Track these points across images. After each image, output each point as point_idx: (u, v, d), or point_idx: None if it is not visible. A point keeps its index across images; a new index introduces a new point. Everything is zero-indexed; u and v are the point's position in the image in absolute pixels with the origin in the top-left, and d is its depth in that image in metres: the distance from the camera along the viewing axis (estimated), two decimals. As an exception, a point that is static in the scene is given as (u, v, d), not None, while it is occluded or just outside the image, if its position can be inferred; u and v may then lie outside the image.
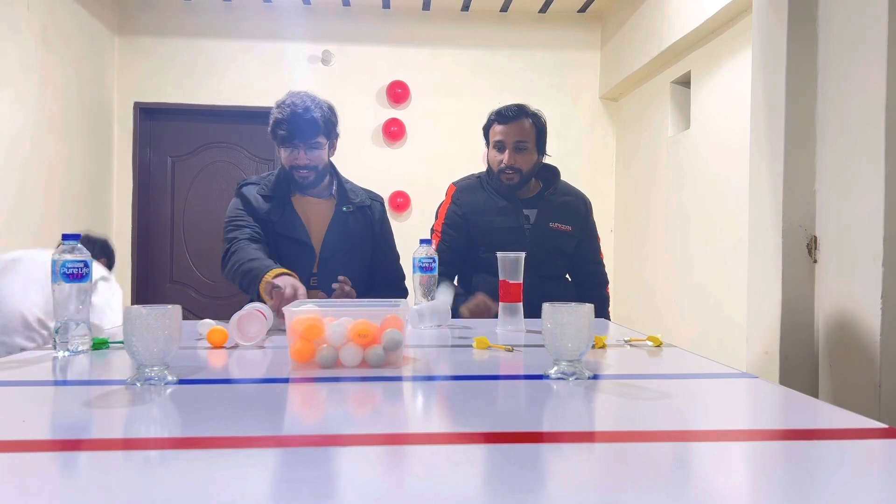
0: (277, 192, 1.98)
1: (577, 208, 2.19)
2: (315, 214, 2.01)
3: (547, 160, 2.19)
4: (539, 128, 2.10)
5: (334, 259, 1.97)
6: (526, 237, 2.08)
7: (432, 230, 2.19)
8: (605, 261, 2.32)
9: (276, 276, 1.68)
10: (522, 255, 1.68)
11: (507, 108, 2.08)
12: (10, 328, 2.14)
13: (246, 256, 1.81)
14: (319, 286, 1.93)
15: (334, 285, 1.84)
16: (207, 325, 1.47)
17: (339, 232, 2.00)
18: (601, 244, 2.30)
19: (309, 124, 1.92)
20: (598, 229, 2.28)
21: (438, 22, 5.04)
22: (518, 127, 2.06)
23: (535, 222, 2.10)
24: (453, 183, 2.23)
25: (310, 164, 1.95)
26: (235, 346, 1.40)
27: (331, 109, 2.00)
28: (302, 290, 1.62)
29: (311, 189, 2.02)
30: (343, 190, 2.07)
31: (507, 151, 2.06)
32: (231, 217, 1.96)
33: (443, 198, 2.22)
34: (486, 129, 2.14)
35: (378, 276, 2.10)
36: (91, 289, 1.36)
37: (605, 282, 2.28)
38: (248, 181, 2.04)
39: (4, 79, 3.50)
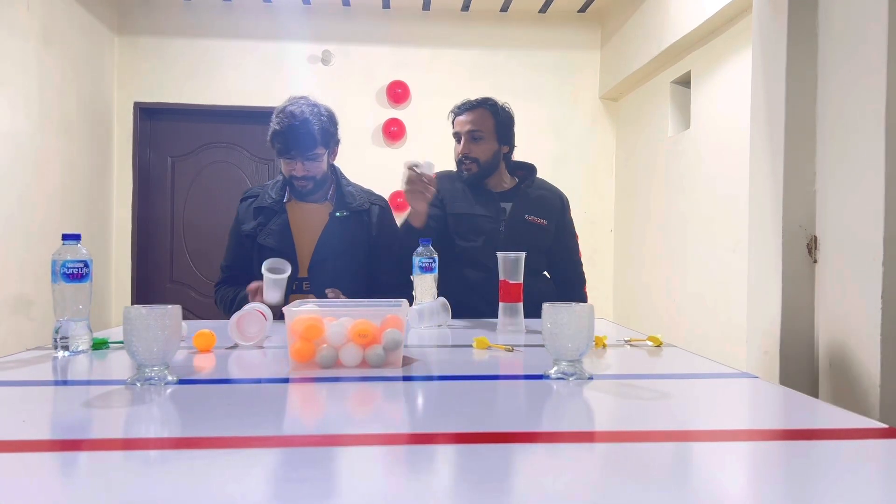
0: (275, 200, 2.03)
1: (554, 203, 2.20)
2: (309, 220, 2.01)
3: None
4: (498, 118, 2.11)
5: (326, 264, 1.97)
6: (501, 228, 2.08)
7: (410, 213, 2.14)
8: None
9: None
10: (522, 255, 1.67)
11: (466, 101, 2.13)
12: None
13: (225, 295, 2.04)
14: (312, 291, 1.94)
15: (328, 292, 1.87)
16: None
17: (331, 237, 1.99)
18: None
19: (305, 137, 1.91)
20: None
21: (438, 22, 5.04)
22: (472, 116, 2.09)
23: (510, 214, 2.11)
24: (434, 172, 2.24)
25: (307, 175, 1.96)
26: (235, 346, 1.40)
27: (330, 117, 1.98)
28: (253, 284, 1.90)
29: (310, 196, 2.03)
30: (341, 194, 2.05)
31: (462, 142, 2.10)
32: (227, 246, 2.11)
33: None
34: (452, 124, 2.17)
35: (378, 281, 2.05)
36: (90, 289, 1.36)
37: (582, 281, 2.28)
38: (248, 193, 2.11)
39: (4, 79, 3.50)
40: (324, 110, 1.97)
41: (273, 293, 1.80)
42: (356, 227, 2.03)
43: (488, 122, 2.10)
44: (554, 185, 2.28)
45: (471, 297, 2.01)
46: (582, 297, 2.24)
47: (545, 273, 2.22)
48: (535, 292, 1.80)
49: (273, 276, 1.80)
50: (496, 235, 2.06)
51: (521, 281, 1.68)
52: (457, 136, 2.12)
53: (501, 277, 1.68)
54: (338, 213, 2.02)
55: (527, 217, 2.11)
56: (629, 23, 4.48)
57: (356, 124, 4.88)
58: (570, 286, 2.22)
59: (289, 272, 1.84)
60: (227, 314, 1.99)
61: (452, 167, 2.33)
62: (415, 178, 1.90)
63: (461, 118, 2.11)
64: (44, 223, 3.86)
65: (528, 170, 2.24)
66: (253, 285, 1.90)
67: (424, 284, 1.81)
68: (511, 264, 1.67)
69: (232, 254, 2.07)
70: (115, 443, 0.79)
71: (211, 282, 5.18)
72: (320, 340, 1.16)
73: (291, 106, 1.93)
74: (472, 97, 2.18)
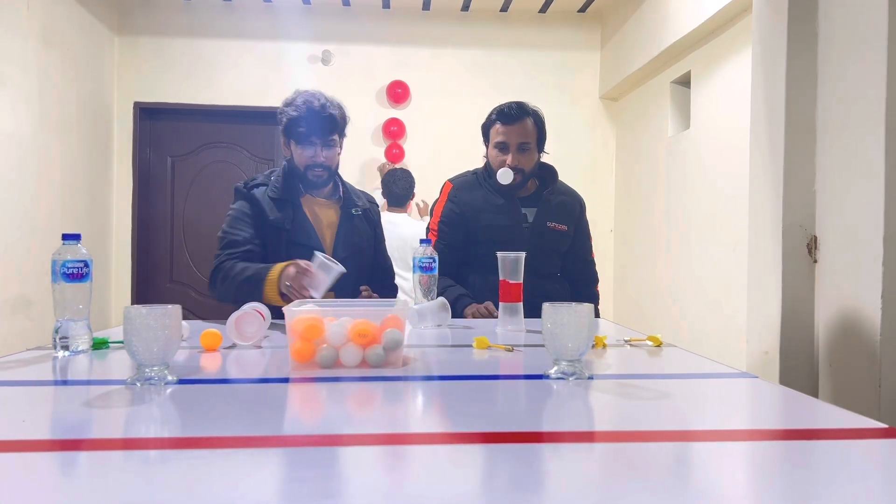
0: (286, 193, 1.93)
1: (573, 208, 2.19)
2: (324, 217, 2.00)
3: (546, 159, 2.17)
4: (540, 126, 2.08)
5: (345, 262, 1.94)
6: (525, 236, 2.07)
7: (428, 228, 2.18)
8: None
9: (284, 268, 1.68)
10: (522, 255, 1.67)
11: (509, 108, 2.05)
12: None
13: (242, 267, 1.78)
14: (332, 289, 1.92)
15: (362, 289, 1.88)
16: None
17: (348, 235, 2.00)
18: (593, 243, 2.32)
19: (327, 121, 1.90)
20: (591, 228, 2.28)
21: (438, 22, 5.04)
22: (521, 128, 2.04)
23: (533, 221, 2.09)
24: (449, 180, 2.21)
25: (324, 163, 1.93)
26: (233, 346, 1.40)
27: (342, 109, 1.99)
28: (304, 263, 1.67)
29: (321, 190, 2.00)
30: (348, 193, 2.07)
31: (510, 153, 2.04)
32: (232, 226, 1.88)
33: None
34: (487, 128, 2.11)
35: (375, 276, 2.10)
36: (90, 289, 1.36)
37: (596, 280, 2.28)
38: (255, 182, 1.96)
39: (4, 79, 3.50)
40: (336, 101, 1.98)
41: (322, 281, 1.64)
42: (366, 225, 2.07)
43: (534, 133, 2.06)
44: (571, 187, 2.25)
45: (495, 301, 1.97)
46: (594, 296, 2.23)
47: (558, 274, 2.21)
48: (551, 294, 1.80)
49: (328, 263, 1.65)
50: (521, 243, 1.95)
51: (521, 281, 1.68)
52: (501, 145, 2.05)
53: (501, 277, 1.68)
54: (353, 211, 2.03)
55: (549, 224, 2.10)
56: (629, 23, 4.48)
57: (356, 124, 4.83)
58: (583, 285, 2.22)
59: (340, 270, 1.68)
60: (230, 293, 1.78)
61: (456, 167, 2.33)
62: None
63: (510, 128, 2.04)
64: (44, 223, 3.87)
65: (548, 172, 2.19)
66: (302, 263, 1.67)
67: (424, 284, 1.81)
68: (511, 264, 1.67)
69: (246, 233, 1.88)
70: (115, 443, 0.79)
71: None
72: (320, 340, 1.16)
73: (305, 95, 1.92)
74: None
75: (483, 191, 2.11)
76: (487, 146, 2.12)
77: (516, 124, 2.04)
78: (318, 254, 1.68)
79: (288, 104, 1.94)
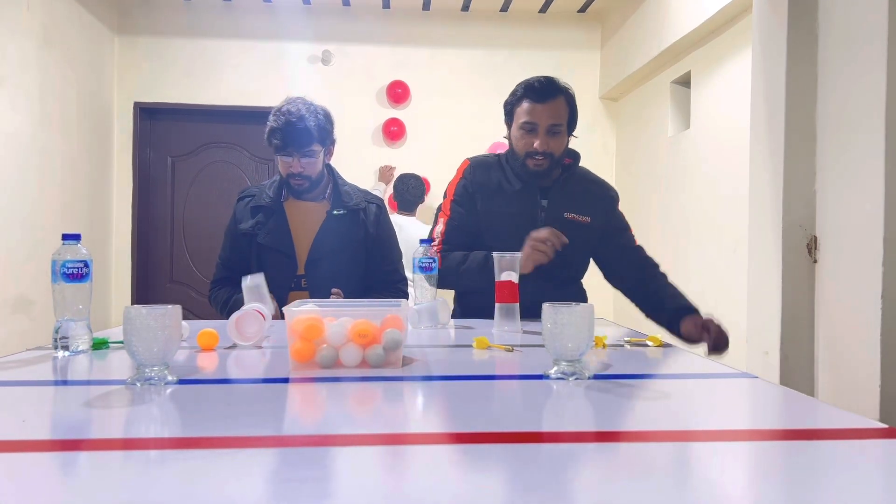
0: (270, 199, 2.04)
1: (600, 197, 1.94)
2: (306, 218, 2.04)
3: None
4: (572, 106, 1.84)
5: (322, 262, 2.00)
6: (538, 227, 1.81)
7: (439, 209, 1.98)
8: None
9: None
10: (518, 254, 1.66)
11: (539, 83, 1.79)
12: None
13: (224, 298, 2.03)
14: (308, 288, 1.96)
15: (333, 291, 1.90)
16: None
17: (328, 235, 2.01)
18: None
19: (303, 133, 1.93)
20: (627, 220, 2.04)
21: (438, 22, 5.04)
22: (553, 107, 1.79)
23: (548, 212, 1.87)
24: (468, 158, 2.00)
25: (303, 173, 1.98)
26: (234, 346, 1.40)
27: (326, 116, 2.00)
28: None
29: (307, 194, 2.05)
30: (337, 193, 2.07)
31: (539, 136, 1.79)
32: (222, 248, 2.10)
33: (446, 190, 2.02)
34: (511, 106, 1.85)
35: (375, 278, 2.09)
36: (90, 289, 1.36)
37: (657, 263, 2.00)
38: (245, 193, 2.12)
39: (4, 79, 3.50)
40: (320, 109, 2.00)
41: (251, 299, 1.70)
42: (352, 225, 2.05)
43: (566, 113, 1.81)
44: (601, 178, 2.02)
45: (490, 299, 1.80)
46: (665, 276, 1.95)
47: (581, 281, 1.99)
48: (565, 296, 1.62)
49: (247, 284, 1.71)
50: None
51: (517, 281, 1.67)
52: (529, 126, 1.80)
53: (497, 278, 1.67)
54: (335, 212, 2.04)
55: (566, 215, 1.86)
56: (629, 23, 4.48)
57: (356, 124, 4.88)
58: (649, 271, 1.94)
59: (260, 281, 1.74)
60: (221, 314, 2.02)
61: (454, 169, 2.29)
62: (546, 239, 1.67)
63: (540, 107, 1.77)
64: (44, 223, 3.86)
65: (572, 157, 1.94)
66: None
67: (424, 284, 1.81)
68: (507, 264, 1.66)
69: (228, 252, 2.08)
70: (115, 443, 0.79)
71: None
72: (320, 340, 1.16)
73: (289, 105, 1.96)
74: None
75: (501, 173, 1.88)
76: (510, 126, 1.87)
77: (548, 103, 1.78)
78: (246, 278, 1.69)
79: (272, 113, 1.98)
